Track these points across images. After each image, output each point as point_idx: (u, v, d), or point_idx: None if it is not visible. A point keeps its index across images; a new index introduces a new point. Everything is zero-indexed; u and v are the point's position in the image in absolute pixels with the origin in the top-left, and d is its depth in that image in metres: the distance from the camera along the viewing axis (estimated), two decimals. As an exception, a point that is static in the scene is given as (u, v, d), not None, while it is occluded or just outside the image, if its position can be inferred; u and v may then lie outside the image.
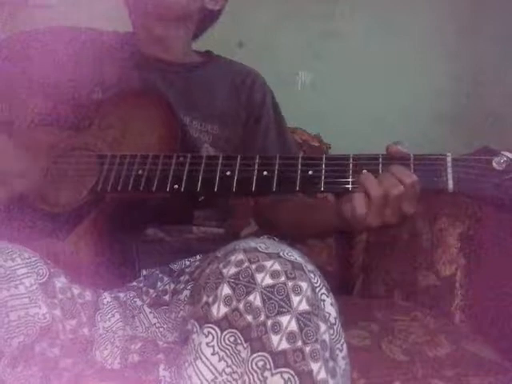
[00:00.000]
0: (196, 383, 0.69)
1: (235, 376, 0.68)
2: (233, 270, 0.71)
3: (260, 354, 0.67)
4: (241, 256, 0.72)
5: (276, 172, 0.82)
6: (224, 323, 0.69)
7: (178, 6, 1.08)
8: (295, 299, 0.68)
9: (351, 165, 0.80)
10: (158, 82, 1.07)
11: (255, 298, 0.68)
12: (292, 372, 0.66)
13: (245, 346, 0.68)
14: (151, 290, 0.96)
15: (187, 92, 1.08)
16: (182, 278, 0.95)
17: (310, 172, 0.81)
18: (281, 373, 0.66)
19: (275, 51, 1.71)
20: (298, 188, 0.81)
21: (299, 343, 0.67)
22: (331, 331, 0.71)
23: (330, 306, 0.72)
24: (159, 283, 0.97)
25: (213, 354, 0.69)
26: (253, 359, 0.67)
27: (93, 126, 0.96)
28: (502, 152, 0.75)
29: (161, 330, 0.91)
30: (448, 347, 1.06)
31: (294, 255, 0.72)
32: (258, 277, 0.69)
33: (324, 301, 0.72)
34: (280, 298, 0.68)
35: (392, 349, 1.04)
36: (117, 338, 0.88)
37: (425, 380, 0.99)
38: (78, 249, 0.87)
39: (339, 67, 1.74)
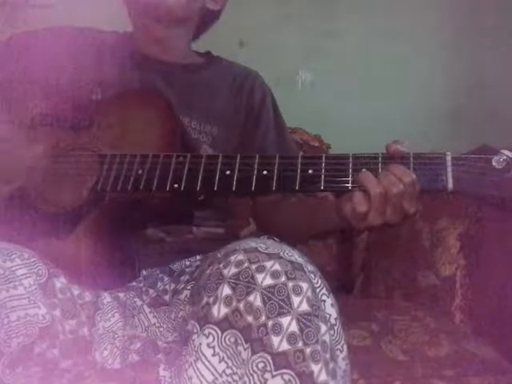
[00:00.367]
0: None
1: (235, 377, 0.68)
2: (233, 270, 0.71)
3: (260, 355, 0.67)
4: (241, 256, 0.72)
5: (276, 171, 0.82)
6: (224, 324, 0.69)
7: (178, 7, 1.08)
8: (296, 300, 0.68)
9: (351, 164, 0.80)
10: (157, 83, 1.07)
11: (255, 299, 0.68)
12: (292, 373, 0.66)
13: (245, 346, 0.68)
14: (151, 290, 0.96)
15: (187, 93, 1.08)
16: (182, 278, 0.95)
17: (310, 171, 0.81)
18: (281, 374, 0.66)
19: (275, 51, 1.71)
20: (297, 187, 0.81)
21: (300, 344, 0.67)
22: (332, 332, 0.71)
23: (330, 307, 0.72)
24: (159, 283, 0.97)
25: (213, 355, 0.69)
26: (253, 360, 0.67)
27: (93, 126, 0.96)
28: (502, 150, 0.75)
29: (161, 329, 0.91)
30: (448, 347, 1.06)
31: (295, 255, 0.72)
32: (259, 277, 0.69)
33: (324, 301, 0.72)
34: (280, 298, 0.68)
35: (392, 349, 1.04)
36: (117, 338, 0.88)
37: (425, 380, 0.99)
38: (78, 249, 0.87)
39: (339, 67, 1.74)
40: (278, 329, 0.67)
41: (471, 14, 1.79)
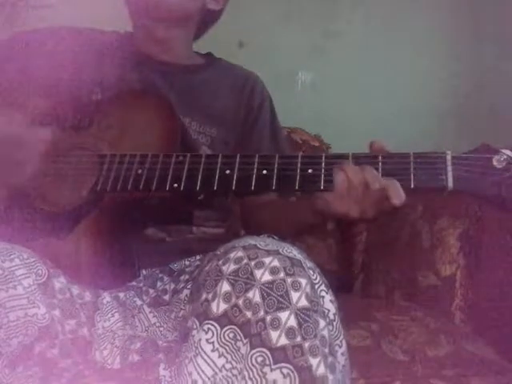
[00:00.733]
0: (196, 379, 0.69)
1: (235, 372, 0.68)
2: (232, 266, 0.71)
3: (259, 349, 0.67)
4: (240, 253, 0.72)
5: (275, 171, 0.82)
6: (224, 319, 0.69)
7: (179, 7, 1.08)
8: (294, 295, 0.69)
9: (351, 163, 0.80)
10: (158, 83, 1.07)
11: (254, 295, 0.69)
12: (291, 367, 0.66)
13: (244, 342, 0.68)
14: (151, 290, 0.96)
15: (187, 93, 1.08)
16: (182, 278, 0.95)
17: (310, 171, 0.81)
18: (280, 368, 0.67)
19: (275, 51, 1.71)
20: (297, 187, 0.81)
21: (298, 339, 0.67)
22: (330, 327, 0.72)
23: (329, 303, 0.73)
24: (159, 283, 0.97)
25: (213, 351, 0.69)
26: (252, 355, 0.67)
27: (93, 125, 0.96)
28: (502, 150, 0.75)
29: (161, 329, 0.91)
30: (448, 347, 1.06)
31: (293, 252, 0.73)
32: (257, 273, 0.70)
33: (323, 297, 0.72)
34: (279, 294, 0.68)
35: (392, 349, 1.04)
36: (116, 338, 0.88)
37: (425, 380, 0.99)
38: (78, 248, 0.87)
39: (339, 67, 1.74)
40: (276, 323, 0.67)
41: (471, 14, 1.79)
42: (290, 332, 0.67)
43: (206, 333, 0.69)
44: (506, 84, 1.74)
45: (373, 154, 0.81)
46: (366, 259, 1.47)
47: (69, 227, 0.88)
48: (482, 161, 0.76)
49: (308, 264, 0.72)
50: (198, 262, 0.98)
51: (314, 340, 0.67)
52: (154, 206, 0.92)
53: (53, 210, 0.91)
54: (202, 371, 0.69)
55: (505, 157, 0.74)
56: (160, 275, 0.98)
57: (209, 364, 0.69)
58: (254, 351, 0.67)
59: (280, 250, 0.72)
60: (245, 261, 0.71)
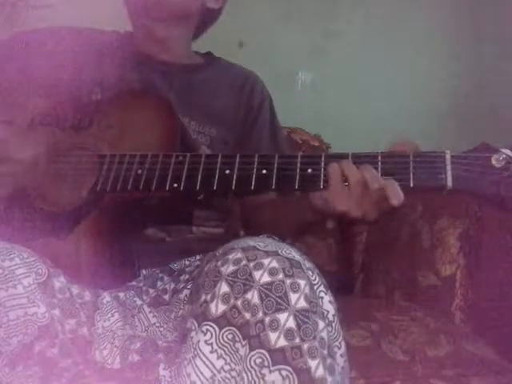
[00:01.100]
0: (194, 381, 0.69)
1: (233, 373, 0.68)
2: (231, 268, 0.71)
3: (258, 351, 0.67)
4: (239, 254, 0.72)
5: (275, 170, 0.82)
6: (222, 321, 0.69)
7: (178, 6, 1.08)
8: (293, 296, 0.68)
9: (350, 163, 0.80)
10: (157, 83, 1.07)
11: (253, 296, 0.69)
12: (290, 369, 0.66)
13: (243, 343, 0.68)
14: (151, 290, 0.96)
15: (186, 93, 1.08)
16: (181, 278, 0.95)
17: (309, 170, 0.81)
18: (279, 370, 0.66)
19: (275, 51, 1.71)
20: (297, 186, 0.81)
21: (297, 340, 0.67)
22: (329, 328, 0.72)
23: (328, 304, 0.73)
24: (159, 283, 0.97)
25: (211, 352, 0.69)
26: (251, 356, 0.67)
27: (92, 125, 0.96)
28: (501, 149, 0.75)
29: (161, 329, 0.91)
30: (448, 347, 1.06)
31: (292, 253, 0.72)
32: (256, 274, 0.69)
33: (322, 298, 0.72)
34: (278, 295, 0.68)
35: (392, 349, 1.04)
36: (116, 338, 0.88)
37: (425, 380, 0.99)
38: (78, 248, 0.87)
39: (339, 67, 1.74)
40: (275, 325, 0.67)
41: (471, 14, 1.79)
42: (288, 333, 0.67)
43: (205, 334, 0.69)
44: (506, 84, 1.74)
45: (372, 154, 0.81)
46: (366, 259, 1.47)
47: (69, 227, 0.88)
48: (481, 160, 0.76)
49: (307, 265, 0.72)
50: (197, 262, 0.98)
51: (312, 342, 0.67)
52: (154, 206, 0.92)
53: (53, 210, 0.91)
54: (201, 372, 0.69)
55: (504, 156, 0.74)
56: (160, 275, 0.98)
57: (207, 365, 0.69)
58: (252, 353, 0.67)
59: (279, 251, 0.72)
60: (244, 262, 0.71)
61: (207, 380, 0.68)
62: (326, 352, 0.69)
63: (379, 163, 0.80)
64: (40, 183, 0.92)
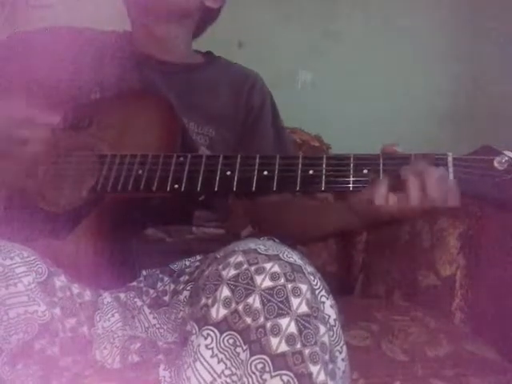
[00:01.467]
0: None
1: (234, 378, 0.68)
2: (232, 272, 0.71)
3: (259, 356, 0.67)
4: (240, 258, 0.71)
5: (276, 172, 0.82)
6: (223, 325, 0.69)
7: (177, 5, 1.08)
8: (295, 301, 0.68)
9: (352, 164, 0.80)
10: (157, 82, 1.07)
11: (254, 300, 0.68)
12: (291, 374, 0.66)
13: (244, 348, 0.68)
14: (151, 290, 0.96)
15: (186, 93, 1.08)
16: (181, 279, 0.95)
17: (311, 172, 0.81)
18: (280, 375, 0.66)
19: (275, 51, 1.71)
20: (298, 188, 0.81)
21: (298, 346, 0.66)
22: (331, 333, 0.71)
23: (329, 308, 0.72)
24: (159, 283, 0.97)
25: (212, 356, 0.68)
26: (252, 361, 0.67)
27: (92, 125, 0.96)
28: (504, 152, 0.75)
29: (161, 330, 0.91)
30: (448, 347, 1.06)
31: (294, 257, 0.72)
32: (258, 279, 0.69)
33: (324, 303, 0.72)
34: (279, 300, 0.68)
35: (392, 349, 1.04)
36: (116, 338, 0.88)
37: (425, 380, 0.99)
38: (78, 248, 0.87)
39: (339, 67, 1.74)
40: (276, 330, 0.67)
41: (471, 14, 1.79)
42: (290, 339, 0.67)
43: (206, 338, 0.69)
44: (506, 85, 1.74)
45: (374, 155, 0.81)
46: (366, 259, 1.47)
47: (69, 227, 0.88)
48: (483, 162, 0.75)
49: (308, 269, 0.72)
50: (197, 263, 0.98)
51: (314, 347, 0.67)
52: (155, 207, 0.92)
53: (53, 210, 0.91)
54: (201, 377, 0.68)
55: (506, 158, 0.74)
56: (160, 276, 0.98)
57: (208, 370, 0.68)
58: (253, 358, 0.67)
59: (280, 255, 0.71)
60: (245, 266, 0.70)
61: None
62: (327, 357, 0.68)
63: (380, 165, 0.80)
64: (40, 183, 0.92)
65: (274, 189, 0.81)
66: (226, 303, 0.69)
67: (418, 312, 1.18)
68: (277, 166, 0.82)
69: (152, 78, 1.07)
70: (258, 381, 0.67)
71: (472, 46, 1.78)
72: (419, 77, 1.76)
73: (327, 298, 0.72)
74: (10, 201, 0.91)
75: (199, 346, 0.69)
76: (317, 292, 0.71)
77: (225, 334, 0.68)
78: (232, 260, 0.72)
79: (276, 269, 0.70)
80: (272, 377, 0.66)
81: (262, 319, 0.68)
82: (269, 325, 0.67)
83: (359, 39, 1.76)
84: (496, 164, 0.74)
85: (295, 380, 0.66)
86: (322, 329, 0.69)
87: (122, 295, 0.94)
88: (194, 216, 1.05)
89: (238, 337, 0.68)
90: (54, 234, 0.88)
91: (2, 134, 0.89)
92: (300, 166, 0.81)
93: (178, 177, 0.85)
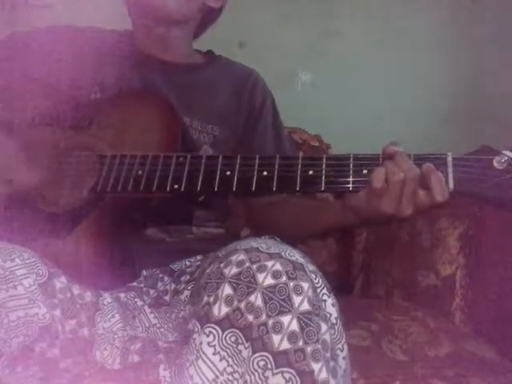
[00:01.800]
0: (197, 382, 0.69)
1: (236, 375, 0.68)
2: (234, 270, 0.71)
3: (261, 353, 0.67)
4: (242, 256, 0.71)
5: (276, 172, 0.82)
6: (225, 323, 0.69)
7: (178, 9, 1.08)
8: (296, 299, 0.68)
9: (352, 165, 0.80)
10: (158, 82, 1.07)
11: (256, 298, 0.68)
12: (293, 372, 0.66)
13: (246, 345, 0.68)
14: (152, 290, 0.96)
15: (188, 92, 1.08)
16: (182, 278, 0.95)
17: (311, 172, 0.81)
18: (282, 372, 0.66)
19: (275, 51, 1.71)
20: (298, 188, 0.81)
21: (300, 343, 0.67)
22: (332, 331, 0.71)
23: (331, 306, 0.72)
24: (160, 283, 0.97)
25: (214, 354, 0.68)
26: (254, 359, 0.67)
27: (92, 125, 0.96)
28: (503, 151, 0.75)
29: (161, 330, 0.91)
30: (448, 347, 1.06)
31: (296, 255, 0.72)
32: (260, 277, 0.69)
33: (325, 301, 0.72)
34: (281, 298, 0.68)
35: (392, 349, 1.04)
36: (116, 339, 0.88)
37: (425, 380, 0.99)
38: (78, 249, 0.87)
39: (339, 67, 1.74)
40: (278, 328, 0.67)
41: (471, 14, 1.79)
42: (292, 336, 0.67)
43: (208, 336, 0.69)
44: (506, 85, 1.74)
45: (373, 155, 0.81)
46: (366, 259, 1.47)
47: (69, 228, 0.88)
48: (482, 162, 0.75)
49: (310, 268, 0.72)
50: (198, 263, 0.98)
51: (316, 344, 0.67)
52: (155, 207, 0.92)
53: (53, 211, 0.91)
54: (204, 374, 0.69)
55: (506, 158, 0.74)
56: (160, 275, 0.98)
57: (210, 367, 0.68)
58: (255, 355, 0.67)
59: (282, 254, 0.71)
60: (247, 264, 0.70)
61: (210, 382, 0.68)
62: (328, 355, 0.69)
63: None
64: (40, 183, 0.92)
65: (274, 189, 0.81)
66: (228, 301, 0.69)
67: (418, 312, 1.18)
68: (276, 167, 0.82)
69: (152, 77, 1.07)
70: (260, 378, 0.67)
71: (472, 46, 1.78)
72: (419, 77, 1.76)
73: (328, 297, 0.72)
74: (10, 201, 0.91)
75: (201, 343, 0.69)
76: (318, 290, 0.71)
77: (227, 332, 0.69)
78: (234, 258, 0.72)
79: (278, 267, 0.70)
80: (274, 374, 0.66)
81: (263, 317, 0.68)
82: (271, 322, 0.67)
83: (359, 39, 1.76)
84: (495, 164, 0.74)
85: (297, 377, 0.66)
86: (324, 327, 0.69)
87: (123, 295, 0.94)
88: (194, 216, 1.05)
89: (240, 334, 0.68)
90: (54, 235, 0.88)
91: None
92: (300, 166, 0.81)
93: (177, 177, 0.85)
